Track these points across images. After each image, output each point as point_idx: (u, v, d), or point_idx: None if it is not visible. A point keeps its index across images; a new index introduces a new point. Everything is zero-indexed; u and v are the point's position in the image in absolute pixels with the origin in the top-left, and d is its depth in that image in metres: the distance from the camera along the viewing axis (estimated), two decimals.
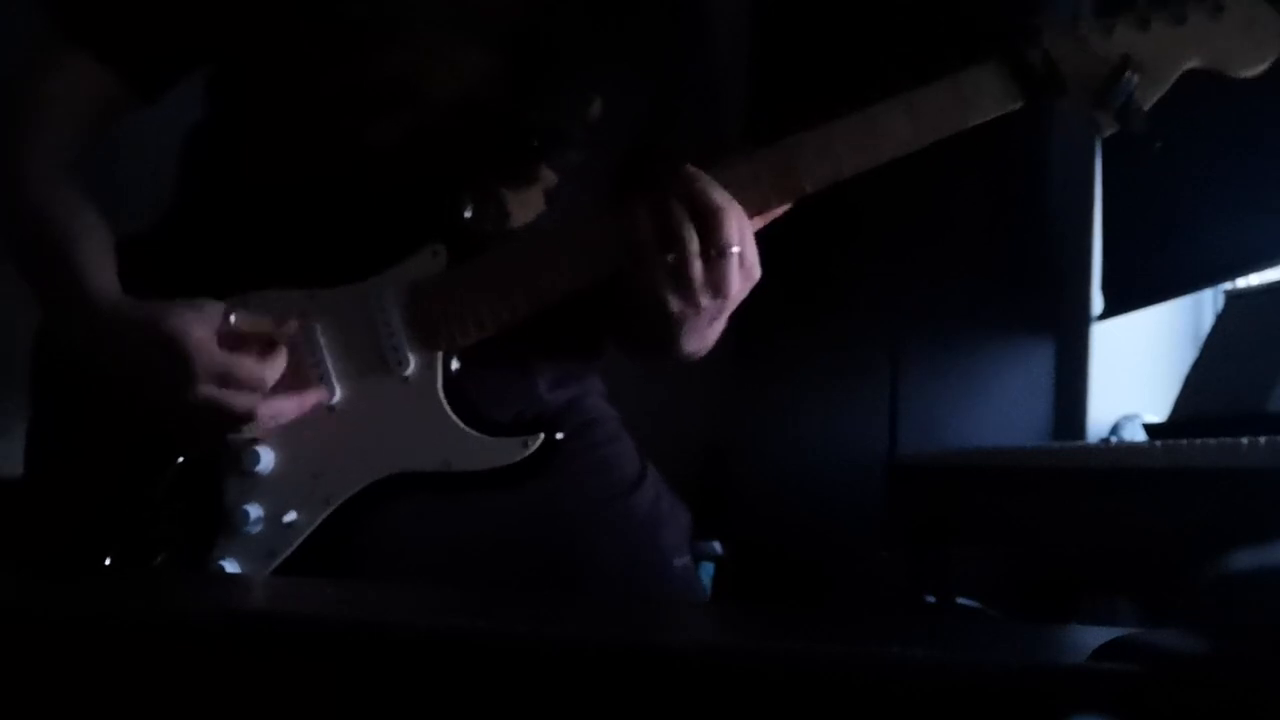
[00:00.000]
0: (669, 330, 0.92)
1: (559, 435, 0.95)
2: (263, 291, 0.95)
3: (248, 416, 0.92)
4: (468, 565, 0.99)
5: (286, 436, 0.95)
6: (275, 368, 0.93)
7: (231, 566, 0.93)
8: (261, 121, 1.01)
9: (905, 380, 2.40)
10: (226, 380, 0.90)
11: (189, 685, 0.55)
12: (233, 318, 0.92)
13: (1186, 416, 1.60)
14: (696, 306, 0.88)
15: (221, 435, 0.93)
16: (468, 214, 0.94)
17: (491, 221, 0.95)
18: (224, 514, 0.93)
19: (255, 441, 0.94)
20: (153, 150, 1.10)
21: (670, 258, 0.86)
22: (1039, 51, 0.89)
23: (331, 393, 0.95)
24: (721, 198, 0.86)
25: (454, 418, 0.94)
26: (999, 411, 2.47)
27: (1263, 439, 0.99)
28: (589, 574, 1.01)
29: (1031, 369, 2.52)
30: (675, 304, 0.88)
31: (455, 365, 0.95)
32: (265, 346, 0.93)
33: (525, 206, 0.97)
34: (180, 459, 0.94)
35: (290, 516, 0.94)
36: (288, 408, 0.94)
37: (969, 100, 0.89)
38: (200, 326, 0.90)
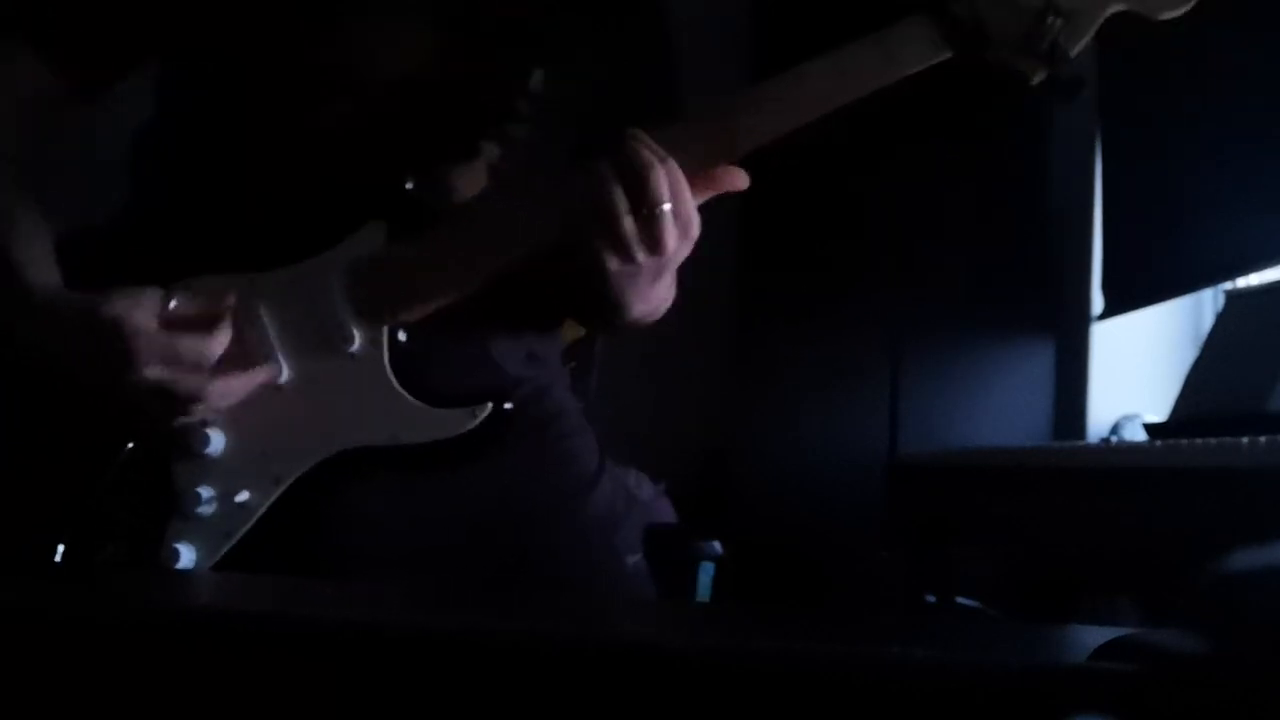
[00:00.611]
0: (611, 292, 0.92)
1: (508, 405, 0.95)
2: (204, 277, 0.95)
3: (196, 395, 0.92)
4: (423, 551, 0.99)
5: (235, 417, 0.95)
6: (217, 344, 0.92)
7: (186, 550, 0.93)
8: (205, 112, 1.02)
9: (905, 380, 2.40)
10: (170, 360, 0.90)
11: (185, 685, 0.55)
12: (172, 302, 0.92)
13: (1186, 416, 1.60)
14: (634, 264, 0.88)
15: (172, 418, 0.93)
16: (409, 186, 0.94)
17: (434, 197, 0.95)
18: (176, 497, 0.93)
19: (204, 424, 0.94)
20: (99, 146, 1.10)
21: (602, 218, 0.87)
22: (964, 4, 0.89)
23: (279, 372, 0.95)
24: (649, 155, 0.86)
25: (401, 391, 0.94)
26: (999, 411, 2.47)
27: (1263, 439, 0.99)
28: (541, 569, 1.01)
29: (1032, 369, 2.52)
30: (612, 263, 0.88)
31: (403, 337, 0.95)
32: (207, 327, 0.93)
33: (469, 182, 0.98)
34: (129, 445, 0.95)
35: (243, 496, 0.94)
36: (236, 385, 0.93)
37: (893, 54, 0.90)
38: (139, 311, 0.90)
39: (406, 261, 0.94)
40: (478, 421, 0.94)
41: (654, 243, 0.87)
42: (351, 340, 0.94)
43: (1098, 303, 2.34)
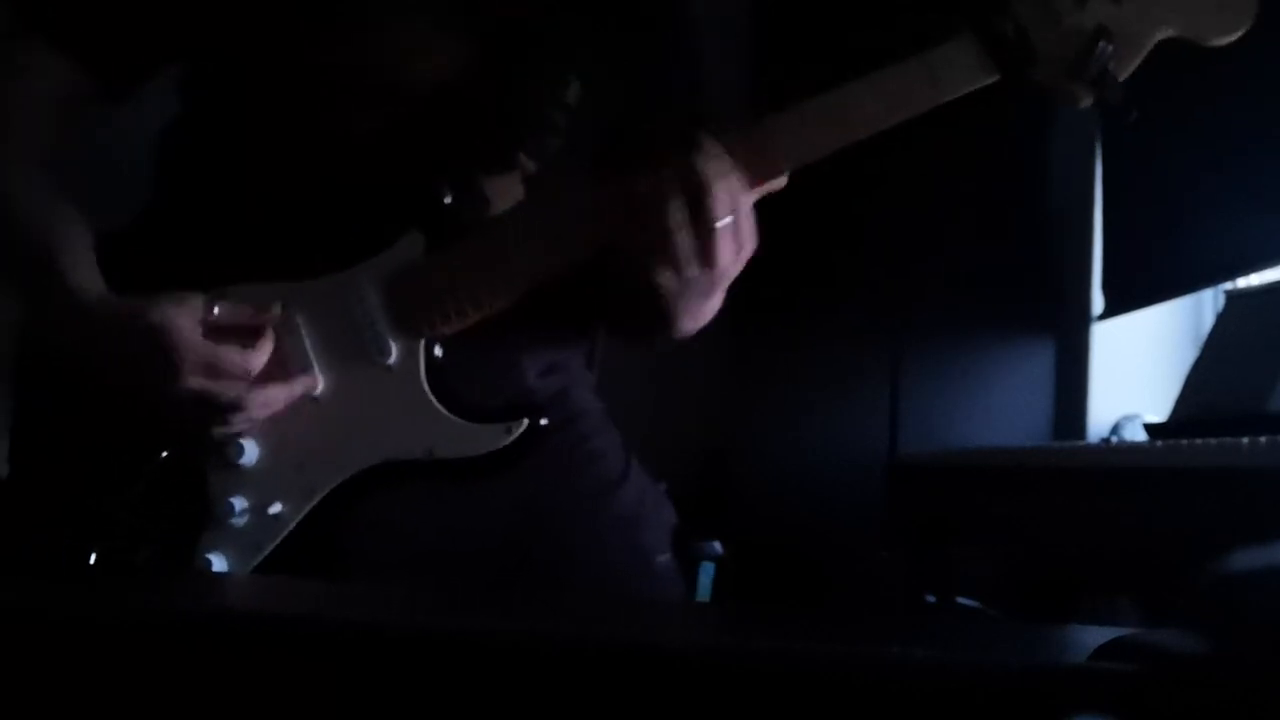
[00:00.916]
0: (660, 307, 0.91)
1: (543, 421, 0.95)
2: (242, 286, 0.95)
3: (236, 405, 0.91)
4: (452, 559, 0.98)
5: (270, 428, 0.95)
6: (260, 356, 0.92)
7: (218, 560, 0.93)
8: (237, 116, 1.01)
9: (905, 380, 2.40)
10: (213, 370, 0.90)
11: (185, 685, 0.55)
12: (215, 309, 0.92)
13: (1187, 416, 1.60)
14: (686, 279, 0.87)
15: (210, 426, 0.93)
16: (447, 200, 0.94)
17: (471, 209, 0.95)
18: (209, 507, 0.93)
19: (239, 434, 0.94)
20: (130, 148, 1.10)
21: (658, 230, 0.85)
22: (1009, 23, 0.88)
23: (315, 383, 0.95)
24: (710, 169, 0.85)
25: (437, 405, 0.94)
26: (999, 411, 2.47)
27: (1263, 439, 0.99)
28: (570, 571, 1.01)
29: (1032, 369, 2.52)
30: (666, 278, 0.87)
31: (439, 352, 0.95)
32: (249, 336, 0.93)
33: (504, 194, 0.97)
34: (164, 453, 0.95)
35: (275, 508, 0.94)
36: (276, 396, 0.93)
37: (939, 77, 0.89)
38: (184, 318, 0.90)
39: (444, 274, 0.93)
40: (513, 438, 0.93)
41: (710, 258, 0.86)
42: (388, 353, 0.94)
43: (1098, 303, 2.34)
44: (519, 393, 1.02)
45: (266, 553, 0.93)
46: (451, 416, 0.94)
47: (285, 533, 0.94)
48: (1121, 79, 0.89)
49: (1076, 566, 1.40)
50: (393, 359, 0.94)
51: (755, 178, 0.89)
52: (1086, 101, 0.90)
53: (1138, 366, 2.33)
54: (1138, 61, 0.90)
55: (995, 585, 1.91)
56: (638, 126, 0.97)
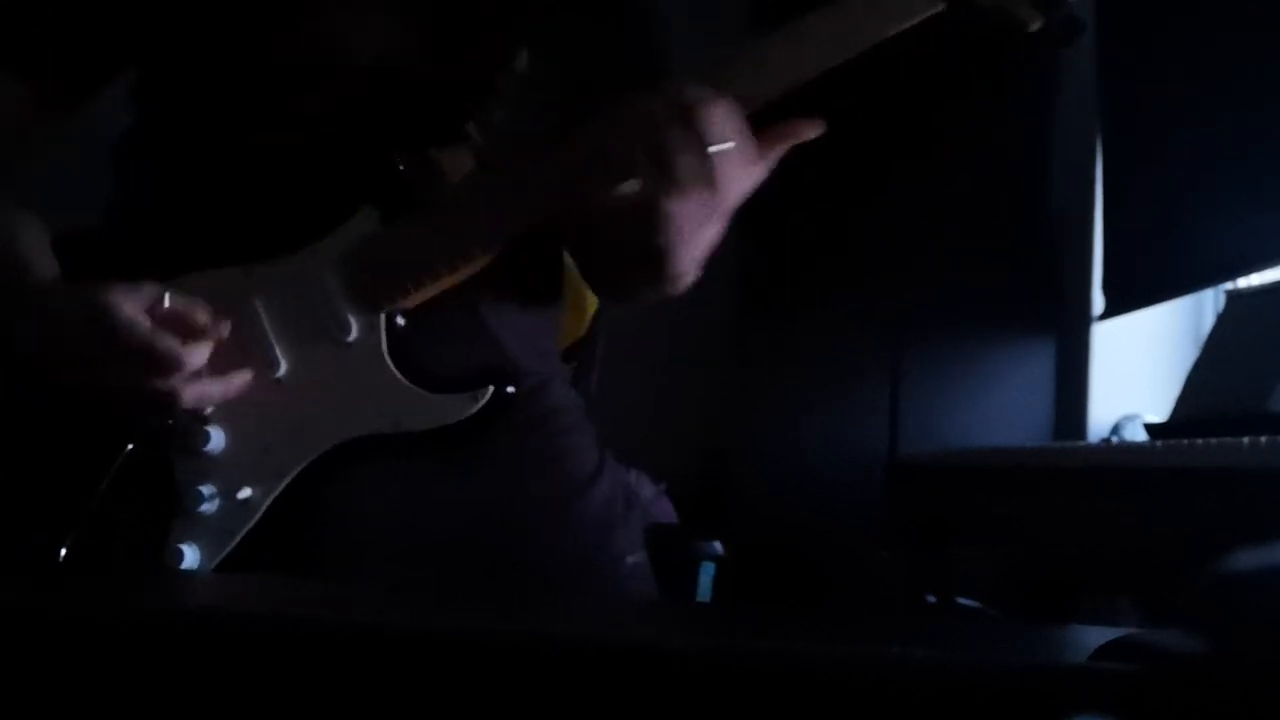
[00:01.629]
0: (660, 237, 0.88)
1: (510, 389, 0.94)
2: (200, 273, 0.95)
3: (169, 397, 0.91)
4: (423, 550, 0.98)
5: (235, 413, 0.95)
6: (200, 352, 0.92)
7: (189, 550, 0.92)
8: (187, 111, 1.02)
9: (905, 380, 2.40)
10: (150, 359, 0.90)
11: (185, 685, 0.55)
12: (166, 299, 0.92)
13: (1187, 416, 1.60)
14: (688, 198, 0.85)
15: (157, 416, 0.93)
16: (400, 168, 0.93)
17: (424, 179, 0.95)
18: (177, 497, 0.93)
19: (203, 421, 0.94)
20: (85, 156, 1.10)
21: (661, 155, 0.83)
22: None
23: (275, 366, 0.95)
24: (701, 90, 0.84)
25: (400, 378, 0.94)
26: (999, 411, 2.47)
27: (1263, 439, 0.99)
28: (535, 567, 1.00)
29: (1032, 369, 2.52)
30: (667, 203, 0.85)
31: (401, 322, 0.94)
32: (191, 333, 0.92)
33: (455, 166, 0.96)
34: (129, 446, 0.95)
35: (245, 493, 0.93)
36: (212, 391, 0.93)
37: (885, 5, 0.87)
38: (130, 303, 0.90)
39: (400, 246, 0.93)
40: (479, 406, 0.93)
41: (713, 178, 0.84)
42: (348, 329, 0.94)
43: (1098, 303, 2.34)
44: (494, 359, 1.02)
45: (239, 538, 0.93)
46: (416, 388, 0.94)
47: (256, 517, 0.94)
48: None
49: (1076, 566, 1.40)
50: (353, 335, 0.94)
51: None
52: (1037, 23, 0.89)
53: (1138, 366, 2.33)
54: None
55: (995, 585, 1.91)
56: (593, 94, 0.96)
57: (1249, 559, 0.44)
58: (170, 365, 0.90)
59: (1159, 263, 2.09)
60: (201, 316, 0.93)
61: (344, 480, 0.95)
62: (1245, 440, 1.00)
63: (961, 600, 1.96)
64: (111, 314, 0.89)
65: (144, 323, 0.90)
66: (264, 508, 0.94)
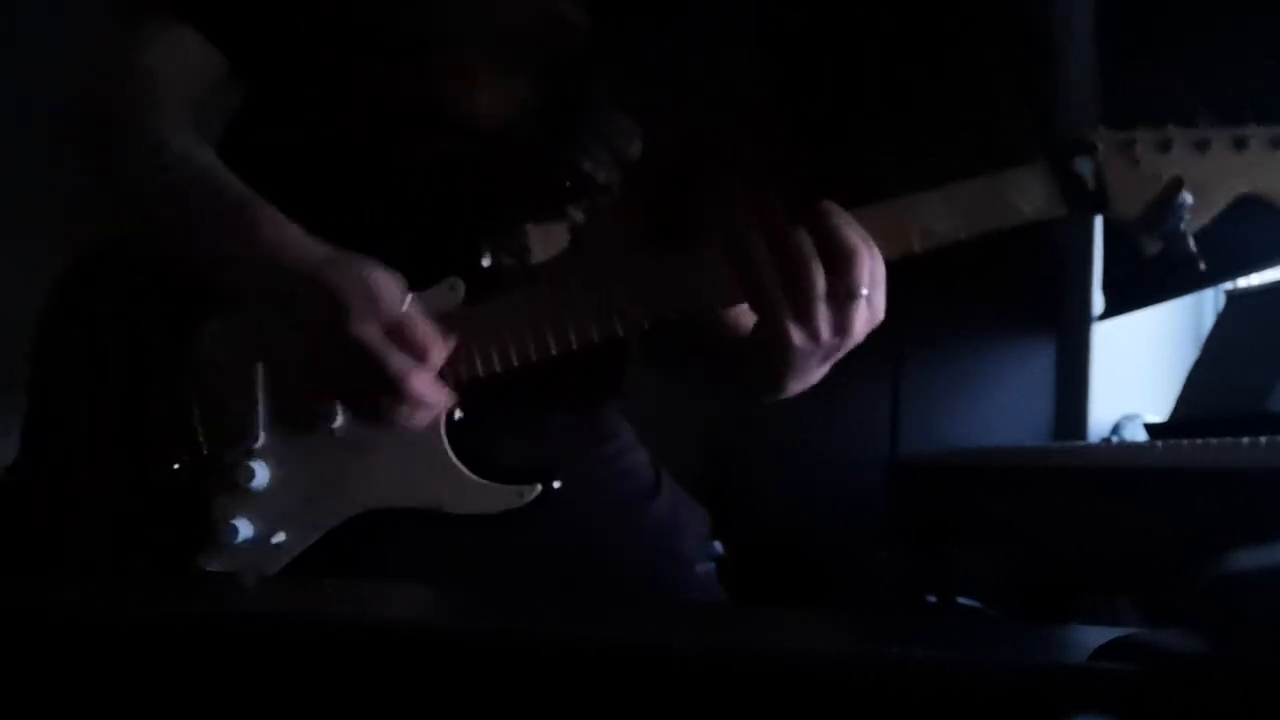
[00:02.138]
0: (779, 369, 0.89)
1: (556, 484, 0.93)
2: None
3: (399, 379, 0.86)
4: (485, 563, 0.97)
5: (283, 456, 0.93)
6: (443, 350, 0.88)
7: None
8: (295, 127, 1.00)
9: (906, 380, 2.40)
10: (398, 335, 0.86)
11: (185, 685, 0.55)
12: (409, 299, 0.88)
13: (1187, 416, 1.60)
14: (817, 343, 0.85)
15: (367, 394, 0.89)
16: (485, 263, 0.91)
17: (511, 255, 0.93)
18: (210, 527, 0.92)
19: (250, 456, 0.92)
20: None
21: (799, 294, 0.83)
22: (1089, 162, 0.86)
23: (332, 417, 0.93)
24: (856, 237, 0.83)
25: (453, 458, 0.93)
26: (1000, 411, 2.47)
27: (1263, 439, 0.99)
28: (609, 585, 1.00)
29: (1032, 369, 2.52)
30: (798, 338, 0.84)
31: (459, 416, 0.93)
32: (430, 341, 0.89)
33: (548, 242, 0.95)
34: (175, 465, 0.94)
35: (279, 538, 0.92)
36: (432, 394, 0.88)
37: (1011, 204, 0.86)
38: (391, 281, 0.87)
39: (478, 324, 0.91)
40: (525, 503, 0.92)
41: (843, 326, 0.84)
42: None
43: (1098, 303, 2.34)
44: (539, 442, 1.00)
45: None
46: (466, 473, 0.92)
47: (284, 563, 0.92)
48: (1193, 232, 0.87)
49: (1076, 566, 1.40)
50: None
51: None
52: (1154, 250, 0.88)
53: (1138, 366, 2.33)
54: (1212, 216, 0.87)
55: (995, 585, 1.91)
56: (696, 178, 0.94)
57: (1249, 559, 0.44)
58: (417, 345, 0.86)
59: (1159, 263, 2.09)
60: (431, 337, 0.88)
61: (379, 541, 0.93)
62: (1245, 440, 1.00)
63: (961, 600, 1.96)
64: (377, 283, 0.86)
65: (399, 302, 0.86)
66: (294, 555, 0.92)
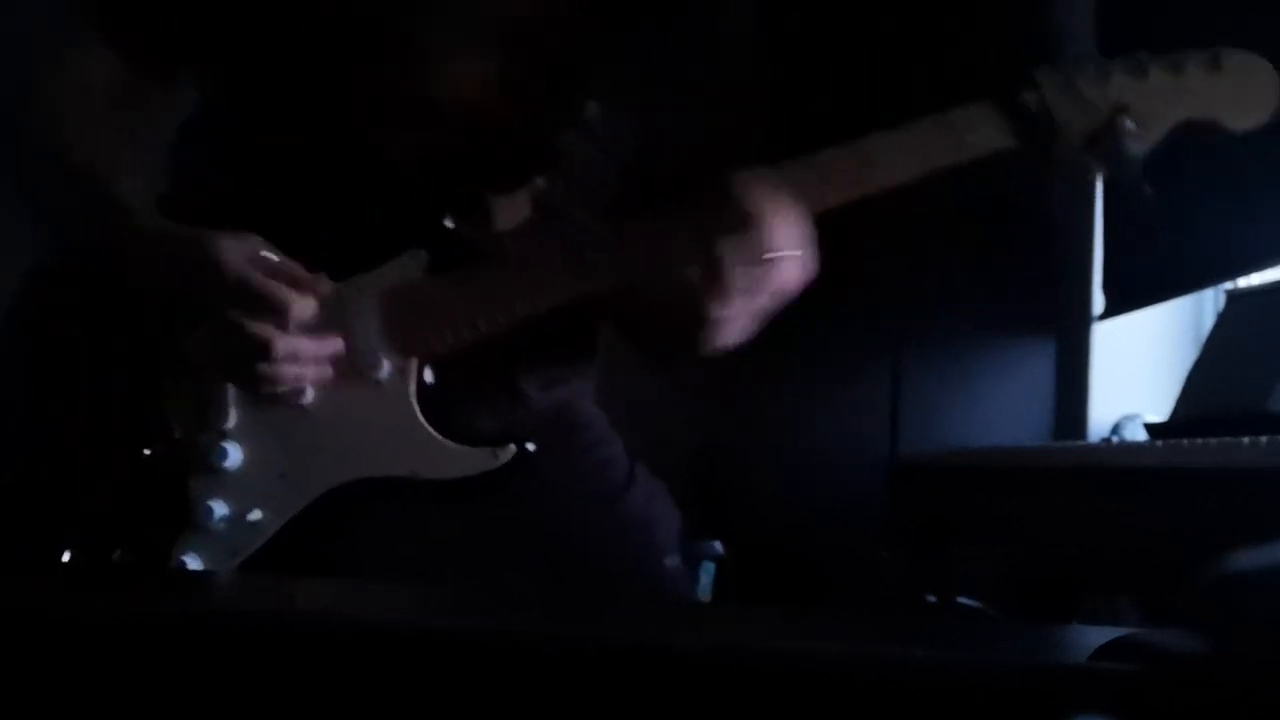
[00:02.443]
0: (704, 334, 0.91)
1: (530, 446, 0.94)
2: None
3: (264, 344, 0.90)
4: (450, 570, 0.98)
5: (255, 434, 0.94)
6: (304, 304, 0.91)
7: (193, 562, 0.92)
8: (258, 117, 1.02)
9: (906, 380, 2.40)
10: (255, 303, 0.89)
11: (185, 685, 0.55)
12: (271, 255, 0.92)
13: (1187, 416, 1.60)
14: (737, 311, 0.88)
15: (242, 369, 0.92)
16: (448, 224, 0.93)
17: (474, 231, 0.94)
18: (188, 510, 0.93)
19: (223, 436, 0.93)
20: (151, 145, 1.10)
21: (710, 267, 0.85)
22: (1034, 95, 0.89)
23: (304, 393, 0.94)
24: (756, 205, 0.85)
25: (425, 425, 0.93)
26: (999, 411, 2.47)
27: (1263, 439, 0.99)
28: (584, 575, 1.01)
29: (1032, 369, 2.52)
30: (715, 310, 0.87)
31: (430, 380, 0.94)
32: (298, 286, 0.92)
33: (511, 212, 0.96)
34: (146, 451, 0.94)
35: (255, 515, 0.93)
36: (306, 347, 0.92)
37: (962, 139, 0.89)
38: (239, 248, 0.90)
39: (442, 295, 0.93)
40: (499, 464, 0.93)
41: (761, 289, 0.87)
42: (380, 368, 0.94)
43: (1098, 303, 2.34)
44: (513, 414, 1.01)
45: (242, 559, 0.93)
46: (438, 437, 0.93)
47: (263, 540, 0.93)
48: (1139, 157, 0.89)
49: (1076, 566, 1.40)
50: (384, 374, 0.94)
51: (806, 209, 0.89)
52: (1098, 175, 0.90)
53: (1138, 366, 2.33)
54: (1155, 141, 0.89)
55: (995, 585, 1.91)
56: (663, 153, 0.96)
57: (1249, 559, 0.44)
58: (279, 310, 0.90)
59: (1159, 263, 2.09)
60: (302, 272, 0.92)
61: (357, 512, 0.95)
62: (1245, 440, 1.00)
63: (961, 600, 1.96)
64: (225, 256, 0.89)
65: (253, 269, 0.90)
66: (272, 532, 0.93)
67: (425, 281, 0.93)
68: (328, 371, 0.93)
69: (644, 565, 1.04)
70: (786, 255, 0.86)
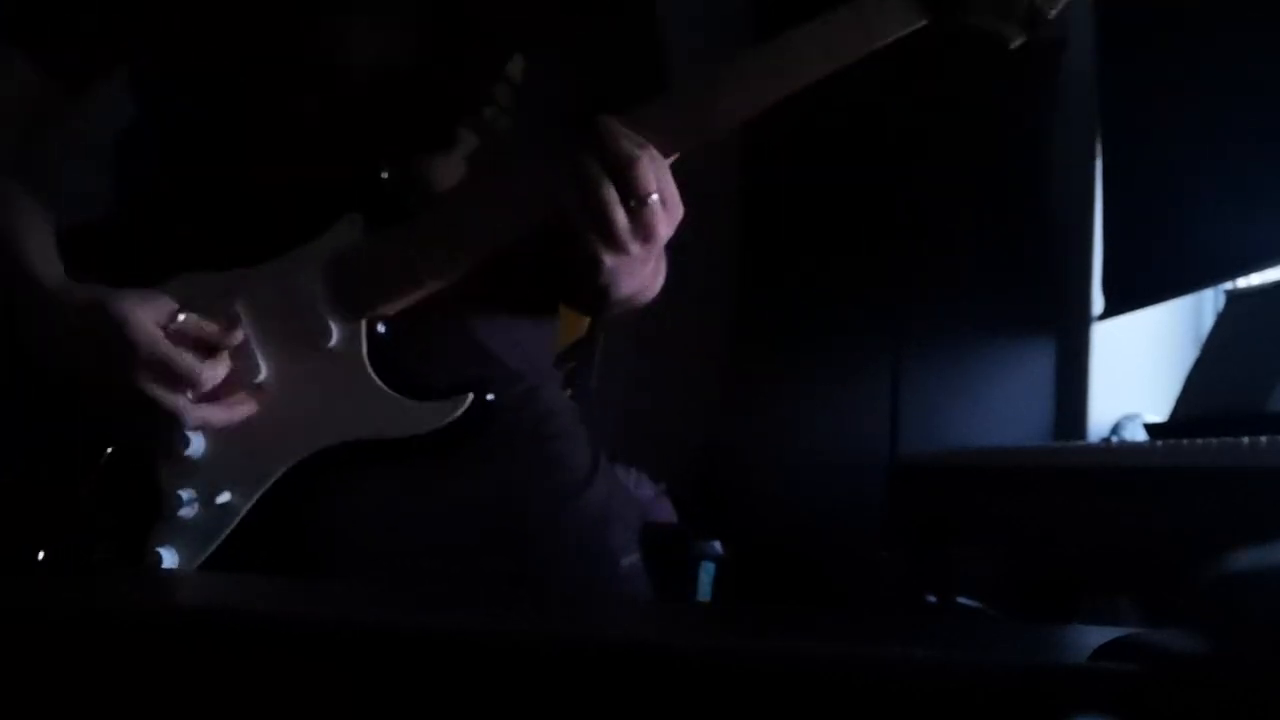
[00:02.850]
0: (602, 279, 0.92)
1: (489, 396, 0.94)
2: (189, 275, 0.96)
3: (176, 413, 0.92)
4: (411, 556, 0.98)
5: None
6: (218, 370, 0.93)
7: (168, 553, 0.92)
8: (183, 108, 1.02)
9: (906, 380, 2.40)
10: (164, 373, 0.90)
11: (185, 685, 0.55)
12: (180, 316, 0.92)
13: (1187, 416, 1.60)
14: (626, 254, 0.88)
15: (154, 426, 0.93)
16: (384, 176, 0.94)
17: (411, 188, 0.95)
18: (158, 500, 0.93)
19: (185, 425, 0.94)
20: (88, 148, 1.11)
21: (595, 213, 0.86)
22: None
23: (256, 371, 0.95)
24: (632, 146, 0.86)
25: (381, 385, 0.94)
26: (999, 411, 2.47)
27: (1263, 439, 0.99)
28: (534, 572, 1.00)
29: (1032, 369, 2.52)
30: (606, 256, 0.88)
31: (381, 329, 0.94)
32: (208, 351, 0.93)
33: (446, 172, 0.97)
34: (110, 449, 0.95)
35: (224, 497, 0.93)
36: (215, 416, 0.94)
37: (871, 22, 0.88)
38: (146, 315, 0.91)
39: (383, 253, 0.94)
40: (459, 413, 0.93)
41: (645, 232, 0.87)
42: (330, 335, 0.94)
43: (1098, 303, 2.34)
44: (479, 370, 1.02)
45: (218, 543, 0.93)
46: (396, 395, 0.94)
47: (235, 522, 0.94)
48: (1050, 16, 0.89)
49: (1076, 566, 1.40)
50: (335, 341, 0.94)
51: (694, 137, 0.89)
52: (1018, 39, 0.90)
53: (1138, 366, 2.33)
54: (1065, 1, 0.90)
55: (995, 585, 1.91)
56: (588, 101, 0.97)
57: (1249, 559, 0.44)
58: (187, 382, 0.91)
59: (1159, 263, 2.09)
60: (214, 332, 0.93)
61: (334, 485, 0.95)
62: (1245, 440, 1.00)
63: (961, 600, 1.96)
64: (126, 324, 0.90)
65: (162, 337, 0.91)
66: (243, 512, 0.94)
67: (364, 242, 0.94)
68: (237, 415, 0.95)
69: (596, 567, 1.04)
70: (656, 199, 0.86)
